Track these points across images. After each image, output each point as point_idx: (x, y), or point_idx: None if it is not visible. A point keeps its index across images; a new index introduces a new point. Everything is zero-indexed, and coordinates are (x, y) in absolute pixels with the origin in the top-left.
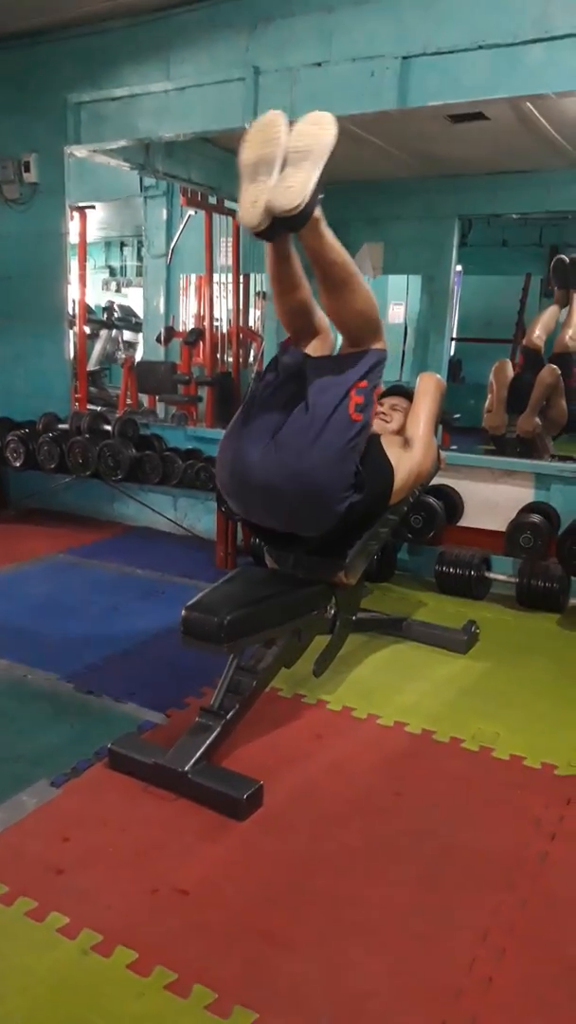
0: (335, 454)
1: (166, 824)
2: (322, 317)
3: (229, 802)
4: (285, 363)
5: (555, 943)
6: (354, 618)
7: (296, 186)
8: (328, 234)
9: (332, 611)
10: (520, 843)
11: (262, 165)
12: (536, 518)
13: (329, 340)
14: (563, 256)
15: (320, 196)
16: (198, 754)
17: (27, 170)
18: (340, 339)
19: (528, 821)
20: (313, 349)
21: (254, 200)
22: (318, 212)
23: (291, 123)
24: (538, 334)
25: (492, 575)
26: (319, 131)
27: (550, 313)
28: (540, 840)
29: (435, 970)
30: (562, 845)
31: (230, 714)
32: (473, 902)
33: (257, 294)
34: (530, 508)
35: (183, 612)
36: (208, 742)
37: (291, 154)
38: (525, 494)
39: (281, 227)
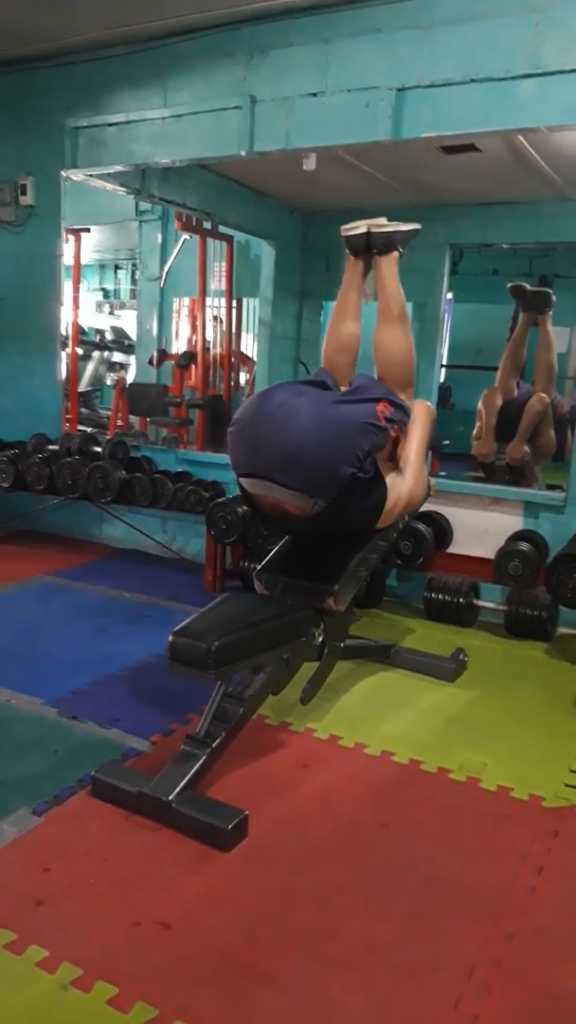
0: (359, 419)
1: (149, 855)
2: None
3: (214, 832)
4: (318, 375)
5: (543, 979)
6: (342, 645)
7: (393, 224)
8: (397, 275)
9: (320, 638)
10: (507, 876)
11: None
12: (525, 546)
13: None
14: (522, 284)
15: (402, 251)
16: (183, 783)
17: (23, 193)
18: None
19: (515, 854)
20: None
21: (359, 223)
22: (396, 255)
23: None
24: (510, 382)
25: (480, 602)
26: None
27: (517, 343)
28: (527, 873)
29: (419, 1007)
30: (549, 879)
31: (216, 742)
32: (459, 937)
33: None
34: (519, 536)
35: (170, 638)
36: (193, 771)
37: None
38: (514, 522)
39: (373, 242)
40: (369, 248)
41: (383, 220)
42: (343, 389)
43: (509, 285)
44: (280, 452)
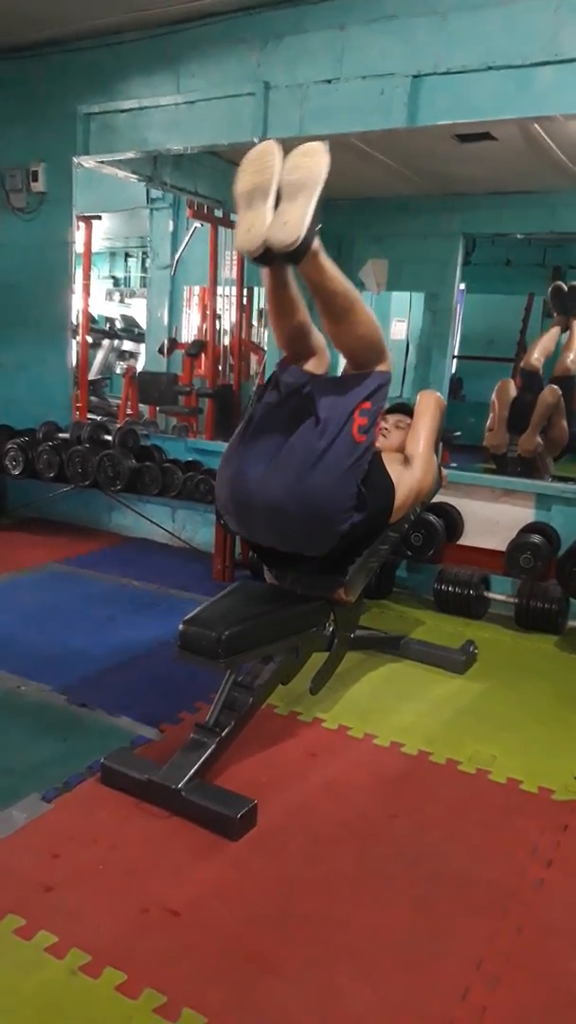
0: (338, 474)
1: (158, 842)
2: (319, 336)
3: (222, 821)
4: (287, 382)
5: (551, 972)
6: (352, 636)
7: (292, 221)
8: (328, 265)
9: (330, 628)
10: (516, 869)
11: (257, 193)
12: (536, 538)
13: (326, 358)
14: (561, 283)
15: (318, 228)
16: (192, 771)
17: (35, 179)
18: (341, 360)
19: (524, 847)
20: (312, 367)
21: (249, 227)
22: (316, 243)
23: (285, 154)
24: (536, 356)
25: (491, 595)
26: (312, 163)
27: (550, 336)
28: (536, 866)
29: (427, 999)
30: (558, 872)
31: (225, 731)
32: (467, 929)
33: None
34: (530, 528)
35: (180, 626)
36: (202, 759)
37: (286, 186)
38: (525, 514)
39: (279, 260)
40: (280, 261)
41: (273, 161)
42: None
43: (550, 287)
44: (275, 533)
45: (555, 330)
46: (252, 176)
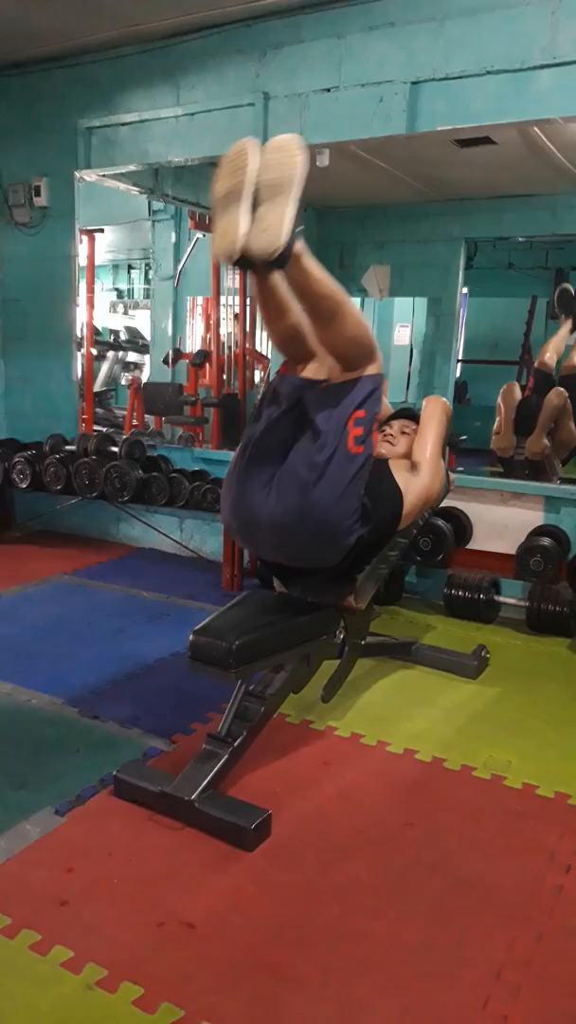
0: (339, 491)
1: (172, 854)
2: (316, 340)
3: (237, 832)
4: (284, 392)
5: (573, 980)
6: (363, 642)
7: (272, 226)
8: (313, 267)
9: (341, 636)
10: (534, 875)
11: (232, 196)
12: (546, 541)
13: (328, 360)
14: (568, 286)
15: (299, 229)
16: (205, 782)
17: (37, 194)
18: None
19: (542, 853)
20: (311, 372)
21: (224, 232)
22: (300, 246)
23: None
24: (550, 355)
25: (501, 599)
26: (287, 158)
27: (561, 336)
28: (555, 873)
29: (447, 1009)
30: None
31: (238, 741)
32: (486, 937)
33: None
34: (540, 531)
35: (191, 637)
36: (215, 770)
37: (263, 188)
38: (535, 517)
39: (261, 267)
40: (263, 267)
41: (248, 160)
42: (312, 378)
43: (557, 290)
44: (282, 551)
45: (565, 330)
46: (227, 178)
